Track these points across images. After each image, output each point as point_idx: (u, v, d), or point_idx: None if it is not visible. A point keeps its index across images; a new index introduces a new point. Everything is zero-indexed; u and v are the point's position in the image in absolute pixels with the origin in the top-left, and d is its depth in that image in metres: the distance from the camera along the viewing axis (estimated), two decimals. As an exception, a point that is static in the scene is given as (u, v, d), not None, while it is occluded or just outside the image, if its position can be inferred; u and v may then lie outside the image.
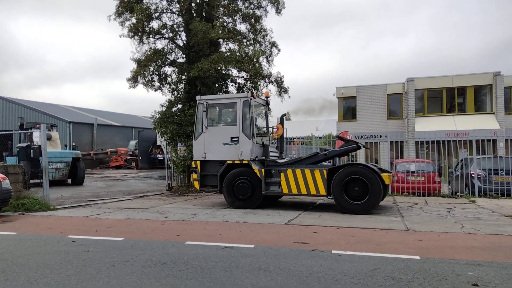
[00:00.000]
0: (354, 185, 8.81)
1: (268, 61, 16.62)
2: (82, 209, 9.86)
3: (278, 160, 10.38)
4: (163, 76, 16.33)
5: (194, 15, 15.44)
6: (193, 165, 10.55)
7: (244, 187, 9.70)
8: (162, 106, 15.52)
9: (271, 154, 10.58)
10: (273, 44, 16.51)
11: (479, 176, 12.28)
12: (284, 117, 11.57)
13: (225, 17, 15.94)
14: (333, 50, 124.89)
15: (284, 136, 11.58)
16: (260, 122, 11.83)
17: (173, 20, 16.16)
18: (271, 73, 16.46)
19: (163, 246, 5.63)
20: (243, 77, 16.06)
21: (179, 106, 15.57)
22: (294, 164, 9.85)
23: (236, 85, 16.22)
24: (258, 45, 16.25)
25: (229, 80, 15.97)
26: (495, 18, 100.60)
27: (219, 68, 14.83)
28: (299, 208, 9.78)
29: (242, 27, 16.37)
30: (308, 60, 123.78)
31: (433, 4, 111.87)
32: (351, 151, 10.24)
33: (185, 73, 15.29)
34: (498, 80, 22.68)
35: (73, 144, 27.38)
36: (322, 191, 9.13)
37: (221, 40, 15.86)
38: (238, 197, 9.77)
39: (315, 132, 45.77)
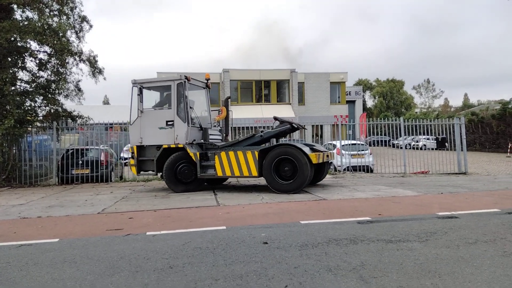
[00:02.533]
0: (285, 165, 8.88)
1: (78, 37, 14.93)
2: None
3: (216, 143, 10.02)
4: None
5: (-26, -32, 12.32)
6: (130, 150, 10.22)
7: (188, 170, 9.67)
8: None
9: (213, 137, 10.41)
10: (84, 19, 14.88)
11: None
12: (229, 100, 11.19)
13: (19, -21, 13.35)
14: (162, 33, 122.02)
15: (230, 118, 11.21)
16: (202, 105, 11.25)
17: None
18: (82, 50, 14.85)
19: None
20: (46, 52, 13.92)
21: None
22: (232, 147, 9.60)
23: (37, 61, 13.93)
24: (65, 17, 14.35)
25: (27, 54, 13.54)
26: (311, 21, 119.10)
27: (12, 39, 12.40)
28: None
29: (44, -6, 14.10)
30: (133, 43, 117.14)
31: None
32: (285, 131, 10.09)
33: (-39, 41, 12.11)
34: (293, 76, 27.12)
35: None
36: (254, 172, 9.09)
37: (15, 6, 13.27)
38: (182, 180, 9.74)
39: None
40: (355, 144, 15.55)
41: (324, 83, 28.47)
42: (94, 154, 13.23)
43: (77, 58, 14.68)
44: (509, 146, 25.27)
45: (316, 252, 4.15)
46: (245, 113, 24.83)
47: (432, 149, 15.78)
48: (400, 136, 14.33)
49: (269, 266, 3.73)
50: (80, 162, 12.97)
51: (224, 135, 11.08)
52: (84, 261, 4.10)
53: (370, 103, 69.20)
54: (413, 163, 14.39)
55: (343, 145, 14.73)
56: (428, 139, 16.82)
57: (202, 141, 10.10)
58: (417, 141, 20.74)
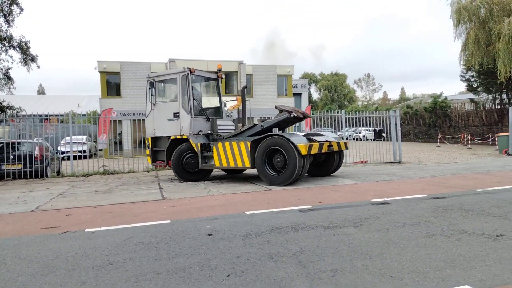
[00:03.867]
0: (277, 157, 8.65)
1: (7, 21, 13.74)
2: None
3: (222, 134, 9.98)
4: None
5: None
6: (146, 141, 10.78)
7: (194, 161, 9.90)
8: None
9: (224, 127, 10.45)
10: (13, 1, 13.70)
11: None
12: (246, 89, 11.03)
13: None
14: (98, 22, 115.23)
15: (248, 108, 10.94)
16: (214, 96, 11.46)
17: None
18: (11, 35, 13.70)
19: None
20: (-33, 36, 12.64)
21: None
22: (235, 137, 9.48)
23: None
24: (-10, -1, 13.10)
25: None
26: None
27: None
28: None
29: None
30: (69, 29, 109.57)
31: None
32: (286, 120, 9.59)
33: None
34: (241, 68, 27.16)
35: None
36: (247, 163, 8.94)
37: None
38: (188, 170, 10.03)
39: (76, 108, 41.67)
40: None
41: (271, 76, 28.86)
42: (27, 148, 12.32)
43: (6, 44, 13.55)
44: (439, 137, 27.57)
45: (259, 241, 4.28)
46: (193, 105, 24.48)
47: (371, 140, 16.76)
48: (342, 128, 15.03)
49: (213, 257, 3.78)
50: (11, 156, 12.01)
51: (241, 125, 10.75)
52: (15, 261, 3.86)
53: (316, 96, 71.46)
54: (353, 153, 15.19)
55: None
56: (368, 130, 17.87)
57: (209, 132, 10.16)
58: (358, 133, 21.89)
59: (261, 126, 9.58)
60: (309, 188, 8.23)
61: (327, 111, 15.91)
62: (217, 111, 11.20)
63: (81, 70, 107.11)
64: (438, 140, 27.14)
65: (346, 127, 14.97)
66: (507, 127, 17.10)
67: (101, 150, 16.00)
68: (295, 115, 9.41)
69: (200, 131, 10.05)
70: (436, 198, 6.42)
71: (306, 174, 10.10)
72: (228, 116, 11.45)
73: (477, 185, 7.73)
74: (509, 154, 15.56)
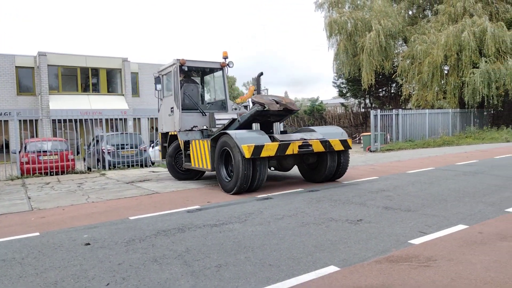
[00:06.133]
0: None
1: None
2: None
3: (213, 129, 9.13)
4: None
5: None
6: (159, 137, 10.61)
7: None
8: None
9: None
10: None
11: (109, 151, 13.61)
12: (261, 77, 9.83)
13: None
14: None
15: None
16: (218, 88, 10.81)
17: None
18: None
19: None
20: None
21: None
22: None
23: None
24: None
25: None
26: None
27: None
28: None
29: None
30: None
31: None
32: (261, 115, 7.65)
33: None
34: (126, 65, 25.66)
35: None
36: (209, 164, 7.93)
37: None
38: (180, 169, 9.61)
39: None
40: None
41: (159, 75, 28.02)
42: None
43: None
44: (316, 137, 30.58)
45: (143, 245, 4.13)
46: (69, 104, 22.15)
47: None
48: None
49: (90, 267, 3.51)
50: None
51: None
52: None
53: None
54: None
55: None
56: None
57: (204, 127, 9.26)
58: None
59: (239, 121, 8.05)
60: (198, 188, 8.24)
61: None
62: (223, 104, 10.31)
63: None
64: (316, 140, 30.03)
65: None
66: (370, 127, 19.88)
67: None
68: (266, 107, 7.41)
69: (195, 126, 9.36)
70: (311, 191, 7.12)
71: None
72: (235, 109, 10.00)
73: (344, 178, 8.82)
74: (371, 151, 18.13)
